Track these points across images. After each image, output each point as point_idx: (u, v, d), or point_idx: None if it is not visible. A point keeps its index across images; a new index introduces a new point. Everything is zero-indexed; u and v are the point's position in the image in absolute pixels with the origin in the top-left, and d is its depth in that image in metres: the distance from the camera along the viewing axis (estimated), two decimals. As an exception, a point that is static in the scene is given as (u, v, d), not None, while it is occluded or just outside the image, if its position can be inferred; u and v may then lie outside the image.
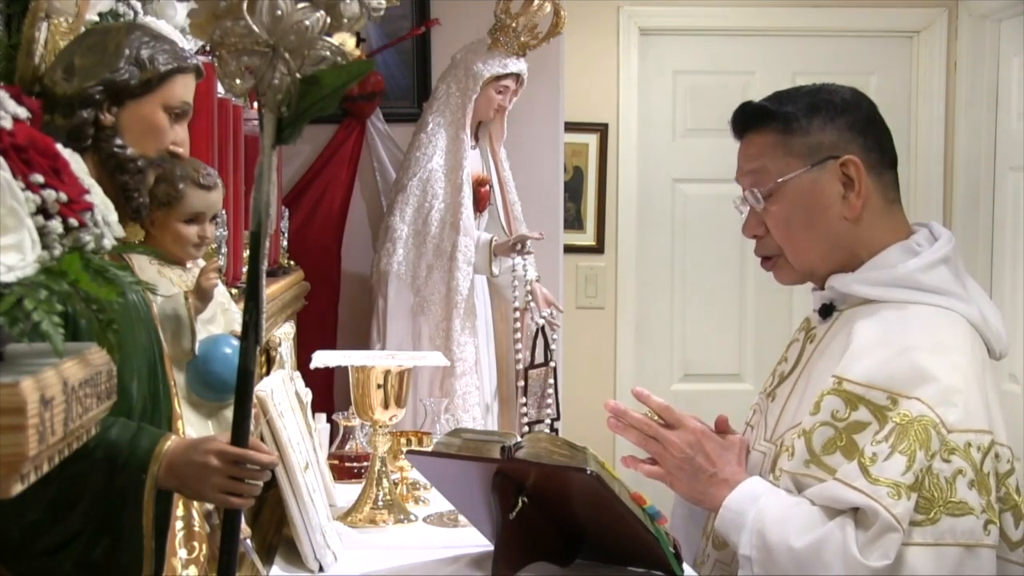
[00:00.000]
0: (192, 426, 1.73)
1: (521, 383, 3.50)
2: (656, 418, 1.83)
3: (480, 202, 3.58)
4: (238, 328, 1.53)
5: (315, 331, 3.46)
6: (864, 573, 1.56)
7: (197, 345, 1.77)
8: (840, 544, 1.59)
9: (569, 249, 4.19)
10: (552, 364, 3.56)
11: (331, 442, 2.64)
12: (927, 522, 1.58)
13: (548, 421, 3.52)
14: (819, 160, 1.76)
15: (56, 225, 0.89)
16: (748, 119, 1.82)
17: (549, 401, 3.54)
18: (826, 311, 1.82)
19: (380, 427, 2.24)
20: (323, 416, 2.57)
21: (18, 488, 0.81)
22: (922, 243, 1.79)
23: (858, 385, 1.65)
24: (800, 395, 1.80)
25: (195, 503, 1.62)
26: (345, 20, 1.24)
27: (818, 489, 1.65)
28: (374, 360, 2.27)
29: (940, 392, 1.62)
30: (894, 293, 1.75)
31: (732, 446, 1.81)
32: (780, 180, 1.76)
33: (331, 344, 3.59)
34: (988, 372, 1.73)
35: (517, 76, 3.55)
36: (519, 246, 3.48)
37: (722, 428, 1.87)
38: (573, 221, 4.43)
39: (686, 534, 1.94)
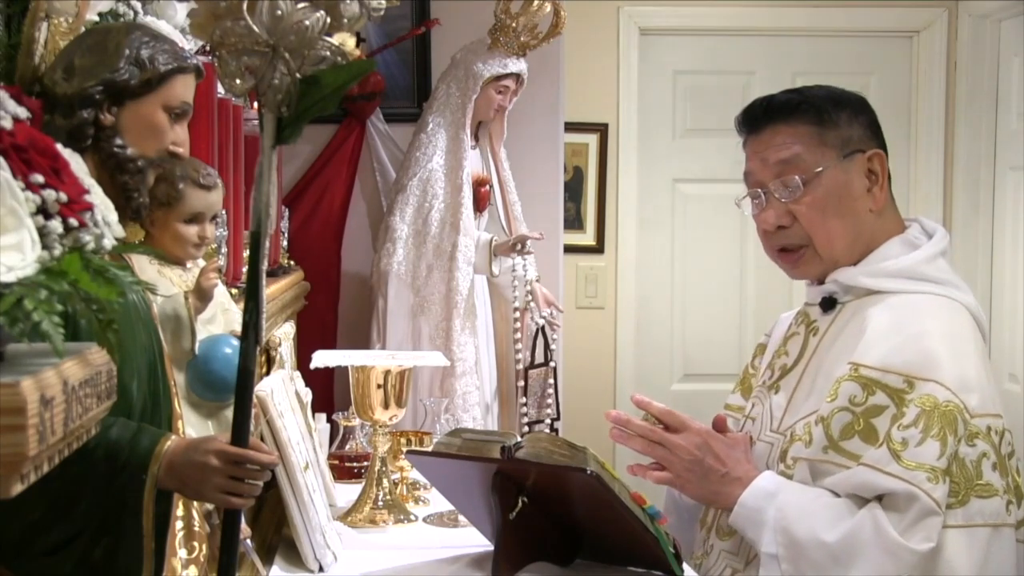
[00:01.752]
0: (192, 426, 1.73)
1: (521, 383, 3.50)
2: (658, 424, 1.83)
3: (480, 202, 3.58)
4: (238, 328, 1.53)
5: (315, 331, 3.46)
6: (908, 556, 1.59)
7: (197, 345, 1.77)
8: (873, 530, 1.61)
9: (569, 249, 4.18)
10: (552, 364, 3.56)
11: (331, 442, 2.64)
12: (957, 504, 1.63)
13: (548, 421, 3.52)
14: (850, 152, 1.81)
15: (56, 225, 0.89)
16: (776, 110, 1.84)
17: (549, 401, 3.54)
18: (827, 304, 1.85)
19: (380, 427, 2.24)
20: (323, 416, 2.57)
21: (18, 488, 0.81)
22: (918, 236, 1.85)
23: (875, 370, 1.68)
24: (809, 386, 1.82)
25: (195, 503, 1.62)
26: (345, 20, 1.24)
27: (844, 476, 1.67)
28: (374, 360, 2.27)
29: (958, 377, 1.68)
30: (900, 284, 1.80)
31: (737, 444, 1.82)
32: (819, 169, 1.79)
33: (331, 344, 3.59)
34: (986, 356, 1.79)
35: (517, 76, 3.55)
36: (519, 246, 3.48)
37: (720, 428, 1.88)
38: (573, 221, 4.43)
39: (676, 530, 1.94)
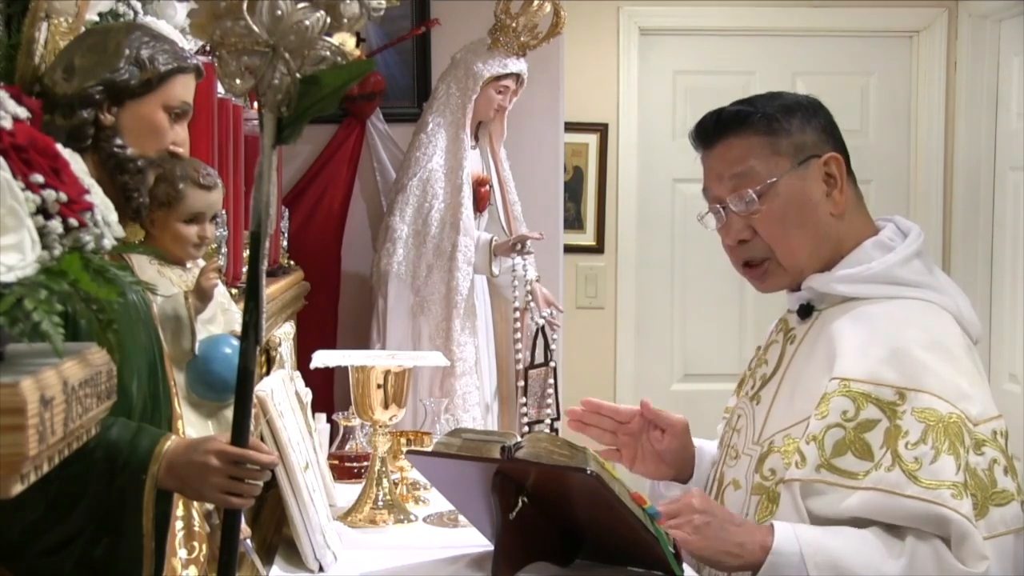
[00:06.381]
0: (192, 426, 1.73)
1: (521, 383, 3.49)
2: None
3: (480, 202, 3.58)
4: (238, 328, 1.53)
5: (315, 331, 3.46)
6: None
7: (197, 345, 1.77)
8: (935, 562, 1.58)
9: (569, 249, 4.19)
10: (552, 364, 3.56)
11: (331, 442, 2.64)
12: (979, 516, 1.61)
13: (548, 421, 3.52)
14: (804, 159, 1.79)
15: (56, 225, 0.89)
16: (727, 124, 1.82)
17: (549, 401, 3.54)
18: (804, 311, 1.83)
19: (380, 427, 2.24)
20: (323, 416, 2.57)
21: (18, 488, 0.81)
22: (893, 238, 1.82)
23: (865, 383, 1.66)
24: (788, 397, 1.80)
25: (195, 503, 1.62)
26: (345, 20, 1.24)
27: (857, 504, 1.63)
28: (374, 360, 2.27)
29: (952, 386, 1.65)
30: (874, 289, 1.77)
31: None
32: (772, 180, 1.77)
33: (331, 344, 3.59)
34: (975, 354, 1.77)
35: (517, 76, 3.55)
36: (519, 246, 3.48)
37: (649, 412, 1.93)
38: (573, 221, 4.43)
39: None
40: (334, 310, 3.80)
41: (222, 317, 1.86)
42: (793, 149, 1.79)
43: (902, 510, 1.60)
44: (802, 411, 1.73)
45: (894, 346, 1.68)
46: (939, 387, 1.64)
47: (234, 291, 2.06)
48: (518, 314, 3.54)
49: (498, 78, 3.51)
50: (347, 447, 2.60)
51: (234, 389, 1.36)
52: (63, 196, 0.90)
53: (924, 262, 1.80)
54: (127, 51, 1.57)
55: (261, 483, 1.46)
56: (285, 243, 3.11)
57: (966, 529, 1.57)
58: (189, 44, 1.93)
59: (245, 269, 2.03)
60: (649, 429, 2.00)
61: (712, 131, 1.84)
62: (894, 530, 1.63)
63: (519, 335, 3.54)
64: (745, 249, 1.83)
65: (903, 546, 1.61)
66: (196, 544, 1.63)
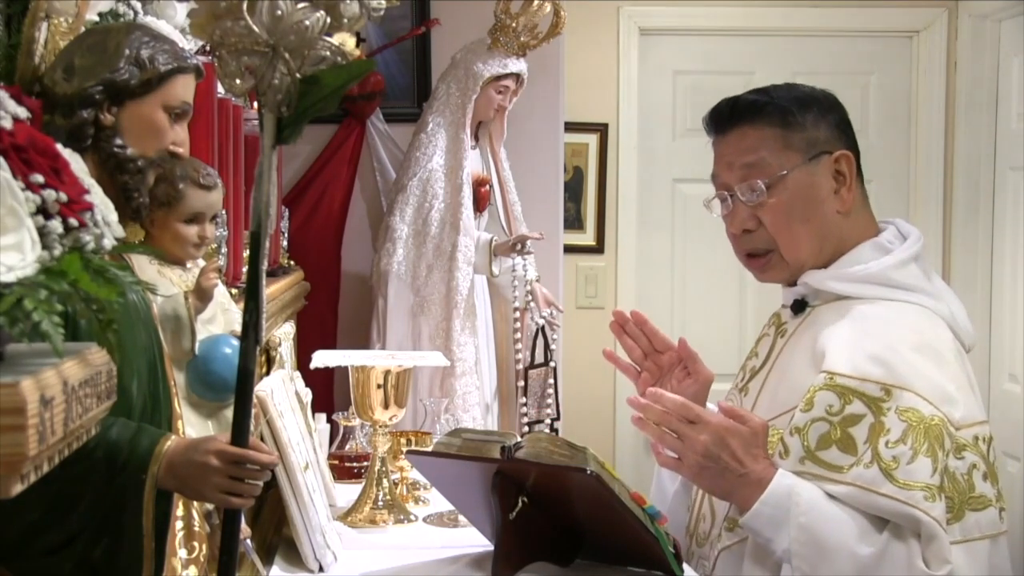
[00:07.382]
0: (192, 426, 1.73)
1: (521, 383, 3.50)
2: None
3: (480, 202, 3.58)
4: (238, 328, 1.53)
5: (315, 331, 3.46)
6: None
7: (197, 345, 1.77)
8: (906, 560, 1.58)
9: (569, 249, 4.18)
10: (552, 364, 3.57)
11: (331, 442, 2.64)
12: (953, 520, 1.61)
13: (548, 421, 3.52)
14: (816, 154, 1.79)
15: (56, 225, 0.89)
16: (742, 112, 1.82)
17: (549, 401, 3.54)
18: (798, 307, 1.84)
19: (380, 427, 2.24)
20: (323, 416, 2.57)
21: (18, 488, 0.81)
22: (892, 240, 1.82)
23: (851, 379, 1.66)
24: (773, 389, 1.81)
25: (195, 503, 1.63)
26: (345, 20, 1.24)
27: (841, 497, 1.64)
28: (374, 360, 2.27)
29: (937, 388, 1.65)
30: (868, 290, 1.77)
31: (757, 436, 1.70)
32: (782, 173, 1.78)
33: (331, 344, 3.59)
34: (966, 361, 1.76)
35: (517, 76, 3.55)
36: (519, 246, 3.48)
37: (684, 352, 1.93)
38: (573, 221, 4.43)
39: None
40: (334, 310, 3.80)
41: (222, 317, 1.86)
42: (805, 144, 1.79)
43: (877, 507, 1.61)
44: (786, 402, 1.74)
45: (884, 344, 1.69)
46: (925, 388, 1.64)
47: (234, 291, 2.06)
48: (518, 314, 3.54)
49: (498, 78, 3.51)
50: (347, 447, 2.60)
51: (234, 389, 1.36)
52: (63, 196, 0.91)
53: (921, 267, 1.80)
54: (127, 51, 1.57)
55: (261, 483, 1.46)
56: (285, 243, 3.11)
57: (934, 531, 1.58)
58: (189, 44, 1.93)
59: (245, 269, 2.03)
60: (676, 369, 2.00)
61: (727, 118, 1.84)
62: (878, 517, 1.64)
63: (519, 335, 3.54)
64: (748, 239, 1.84)
65: (881, 535, 1.62)
66: (196, 544, 1.63)
